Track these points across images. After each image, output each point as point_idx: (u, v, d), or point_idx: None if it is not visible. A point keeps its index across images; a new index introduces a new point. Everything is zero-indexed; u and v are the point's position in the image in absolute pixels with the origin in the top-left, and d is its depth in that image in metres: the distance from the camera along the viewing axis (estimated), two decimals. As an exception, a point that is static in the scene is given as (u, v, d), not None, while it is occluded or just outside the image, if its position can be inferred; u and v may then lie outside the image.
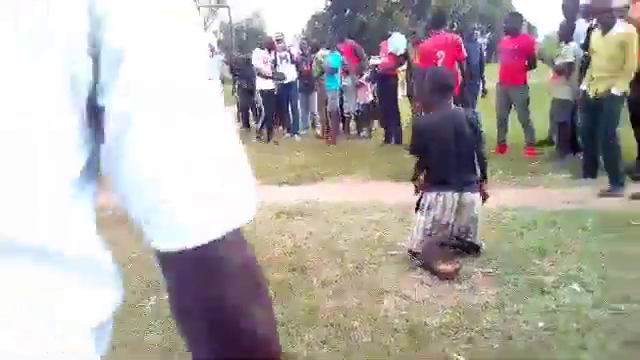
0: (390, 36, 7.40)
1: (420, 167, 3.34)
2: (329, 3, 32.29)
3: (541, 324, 2.43)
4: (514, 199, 4.39)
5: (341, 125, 8.66)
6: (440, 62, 6.00)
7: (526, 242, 3.42)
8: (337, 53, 8.42)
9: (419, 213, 3.22)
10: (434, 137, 3.19)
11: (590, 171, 4.87)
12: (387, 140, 7.53)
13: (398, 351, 2.29)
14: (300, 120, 9.17)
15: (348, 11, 31.42)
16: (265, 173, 6.02)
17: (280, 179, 5.74)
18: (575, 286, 2.78)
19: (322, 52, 8.59)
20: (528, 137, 6.12)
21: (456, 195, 3.13)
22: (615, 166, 4.43)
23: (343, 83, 8.17)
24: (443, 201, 3.13)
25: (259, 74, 8.42)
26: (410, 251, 3.22)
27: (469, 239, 3.23)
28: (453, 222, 3.17)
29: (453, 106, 3.38)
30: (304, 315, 2.66)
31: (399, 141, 7.32)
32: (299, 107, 9.03)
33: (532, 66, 6.04)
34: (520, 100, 6.03)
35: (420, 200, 3.25)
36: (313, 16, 34.44)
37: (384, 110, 7.63)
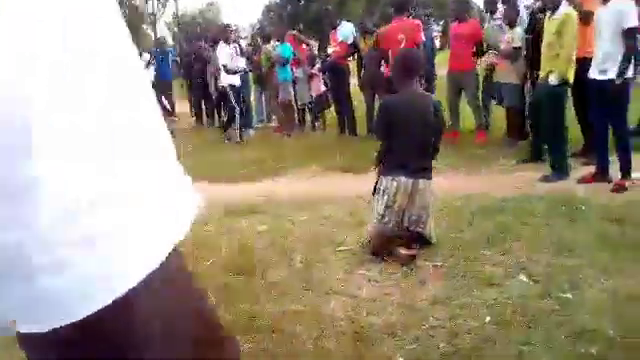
0: (339, 25, 7.26)
1: (383, 150, 3.24)
2: (283, -7, 31.95)
3: (488, 318, 2.38)
4: (464, 186, 4.37)
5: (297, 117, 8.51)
6: (402, 47, 5.95)
7: (475, 231, 3.38)
8: (288, 43, 8.23)
9: (375, 197, 3.16)
10: (397, 119, 3.11)
11: (537, 155, 4.92)
12: (342, 131, 7.42)
13: (341, 356, 2.18)
14: (254, 114, 8.94)
15: (302, 1, 31.10)
16: (216, 170, 5.82)
17: (232, 176, 5.55)
18: (523, 277, 2.74)
19: (273, 43, 8.38)
20: (478, 122, 6.14)
21: (410, 181, 3.06)
22: (558, 154, 4.45)
23: (295, 74, 8.00)
24: (397, 186, 3.06)
25: (226, 70, 8.09)
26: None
27: (419, 229, 3.14)
28: (404, 209, 3.10)
29: (420, 90, 3.28)
30: (246, 322, 2.51)
31: (354, 132, 7.23)
32: (252, 101, 8.80)
33: (480, 52, 6.04)
34: (470, 85, 6.03)
35: (377, 184, 3.19)
36: (267, 6, 33.94)
37: (337, 101, 7.51)
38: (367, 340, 2.30)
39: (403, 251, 3.03)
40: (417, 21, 6.37)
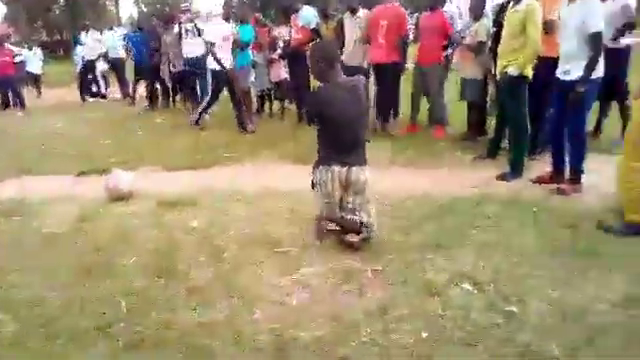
0: (298, 10, 6.86)
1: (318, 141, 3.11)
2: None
3: (425, 334, 2.15)
4: (416, 183, 4.15)
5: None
6: (382, 32, 5.74)
7: (422, 234, 3.15)
8: (249, 26, 7.83)
9: (315, 190, 3.12)
10: (328, 109, 2.98)
11: (492, 152, 4.75)
12: (299, 120, 7.12)
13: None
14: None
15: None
16: (159, 157, 5.45)
17: (176, 163, 5.18)
18: (467, 285, 2.52)
19: (232, 25, 7.97)
20: (438, 117, 5.93)
21: (344, 170, 2.99)
22: (518, 151, 4.27)
23: (254, 59, 7.63)
24: (332, 176, 3.00)
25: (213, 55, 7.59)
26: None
27: (356, 217, 3.02)
28: (340, 198, 3.06)
29: (344, 76, 3.12)
30: (157, 334, 2.22)
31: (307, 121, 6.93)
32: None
33: (447, 45, 5.82)
34: (434, 79, 5.80)
35: (314, 174, 3.10)
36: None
37: (296, 88, 7.19)
38: (290, 358, 2.04)
39: (347, 237, 3.01)
40: (402, 9, 6.08)
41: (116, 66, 11.23)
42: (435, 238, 3.04)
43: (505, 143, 4.71)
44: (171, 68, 8.77)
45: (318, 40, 6.73)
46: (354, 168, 3.00)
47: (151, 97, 9.49)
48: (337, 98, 2.99)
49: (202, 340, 2.18)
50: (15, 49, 10.85)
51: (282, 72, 7.61)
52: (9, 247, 3.20)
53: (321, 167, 3.04)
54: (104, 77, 11.92)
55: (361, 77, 3.29)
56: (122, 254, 3.04)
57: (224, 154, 5.52)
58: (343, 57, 6.27)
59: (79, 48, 11.52)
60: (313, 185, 3.13)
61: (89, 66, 11.22)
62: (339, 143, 3.01)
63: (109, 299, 2.53)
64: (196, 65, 8.00)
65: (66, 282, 2.72)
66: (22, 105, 10.46)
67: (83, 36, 11.24)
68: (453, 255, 2.85)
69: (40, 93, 12.75)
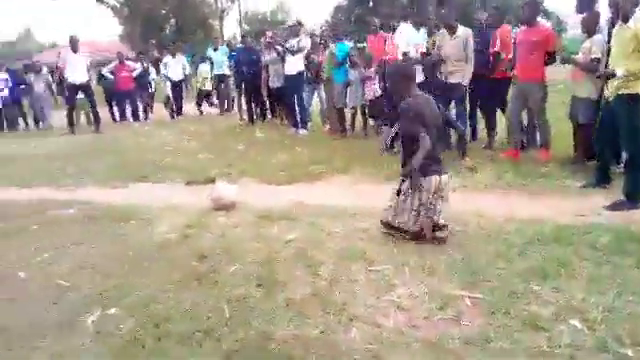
0: (395, 28, 6.89)
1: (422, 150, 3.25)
2: (350, -6, 31.69)
3: (529, 370, 2.04)
4: (520, 208, 3.96)
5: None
6: (525, 51, 5.48)
7: (526, 262, 2.99)
8: (345, 43, 7.99)
9: (402, 196, 3.35)
10: (423, 120, 3.24)
11: (603, 178, 4.40)
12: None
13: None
14: (306, 115, 8.77)
15: (371, 3, 30.71)
16: (259, 171, 5.71)
17: (273, 177, 5.40)
18: (576, 322, 2.36)
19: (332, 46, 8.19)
20: (543, 139, 5.63)
21: (439, 178, 3.29)
22: (636, 178, 3.94)
23: (349, 76, 7.76)
24: (427, 185, 3.26)
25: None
26: (386, 223, 3.45)
27: (436, 217, 3.32)
28: (434, 203, 3.32)
29: (423, 94, 3.46)
30: (256, 343, 2.32)
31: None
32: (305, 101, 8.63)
33: (550, 61, 5.52)
34: (536, 98, 5.52)
35: (402, 184, 3.35)
36: (336, 7, 33.81)
37: (394, 107, 7.18)
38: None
39: (437, 233, 3.31)
40: (549, 28, 5.78)
41: (221, 82, 11.94)
42: (540, 267, 2.88)
43: (616, 167, 4.37)
44: (270, 84, 9.15)
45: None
46: (444, 176, 3.31)
47: (251, 112, 9.96)
48: (426, 110, 3.29)
49: (298, 352, 2.24)
50: (134, 64, 11.87)
51: (377, 90, 7.65)
52: (127, 249, 3.50)
53: (422, 175, 3.24)
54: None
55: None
56: (225, 262, 3.22)
57: (318, 170, 5.65)
58: (442, 75, 6.20)
59: (163, 69, 12.19)
60: (399, 193, 3.36)
61: (176, 86, 11.89)
62: (434, 152, 3.27)
63: (214, 305, 2.68)
64: (295, 82, 8.32)
65: (176, 286, 2.93)
66: (138, 117, 11.47)
67: (169, 59, 11.96)
68: (560, 287, 2.68)
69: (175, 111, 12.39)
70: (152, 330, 2.45)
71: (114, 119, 11.78)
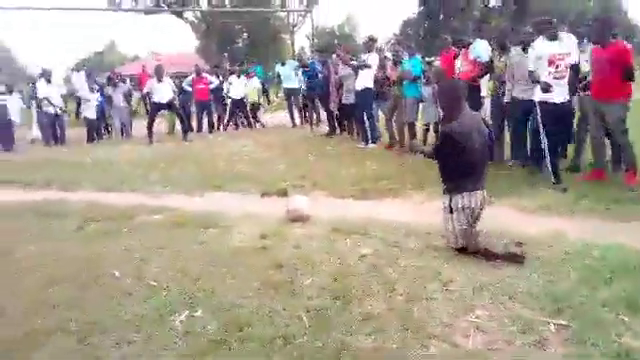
0: (469, 43, 6.76)
1: (454, 171, 3.53)
2: (421, 8, 31.44)
3: (621, 405, 1.96)
4: (604, 234, 3.78)
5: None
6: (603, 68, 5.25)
7: (613, 291, 2.86)
8: (419, 58, 7.98)
9: (455, 214, 3.48)
10: (465, 141, 3.39)
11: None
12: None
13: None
14: (375, 130, 8.80)
15: (441, 17, 30.45)
16: (330, 184, 5.80)
17: (345, 192, 5.47)
18: (672, 357, 2.24)
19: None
20: (627, 161, 5.34)
21: (481, 194, 3.47)
22: None
23: (423, 92, 7.74)
24: (474, 200, 3.44)
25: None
26: (456, 249, 3.51)
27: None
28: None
29: (470, 112, 3.61)
30: (334, 353, 2.38)
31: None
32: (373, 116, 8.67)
33: (628, 78, 5.20)
34: (614, 118, 5.22)
35: (451, 202, 3.50)
36: (405, 21, 33.75)
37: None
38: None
39: (513, 249, 3.39)
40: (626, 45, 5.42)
41: (290, 96, 12.25)
42: (631, 297, 2.75)
43: None
44: (343, 100, 9.27)
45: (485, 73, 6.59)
46: (485, 192, 3.50)
47: (332, 124, 10.13)
48: (472, 130, 3.43)
49: (378, 367, 2.28)
50: (211, 77, 12.41)
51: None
52: (209, 255, 3.69)
53: (464, 193, 3.42)
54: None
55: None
56: (301, 273, 3.32)
57: (389, 185, 5.66)
58: (514, 92, 6.05)
59: (225, 87, 12.60)
60: (452, 210, 3.49)
61: (236, 104, 12.24)
62: (475, 170, 3.44)
63: (292, 313, 2.77)
64: (365, 97, 8.40)
65: (255, 292, 3.05)
66: (213, 128, 11.99)
67: (234, 79, 12.36)
68: (652, 320, 2.55)
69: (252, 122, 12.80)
70: (236, 333, 2.58)
71: (191, 130, 12.35)
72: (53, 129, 10.98)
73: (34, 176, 6.87)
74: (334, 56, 9.72)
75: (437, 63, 8.10)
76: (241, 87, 12.08)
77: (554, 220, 4.22)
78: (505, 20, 27.87)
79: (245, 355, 2.39)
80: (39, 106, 10.93)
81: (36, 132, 11.87)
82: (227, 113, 12.45)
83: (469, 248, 3.45)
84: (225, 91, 12.36)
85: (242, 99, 12.09)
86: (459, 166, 3.44)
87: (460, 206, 3.45)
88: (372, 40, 8.80)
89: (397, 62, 8.28)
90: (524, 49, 5.91)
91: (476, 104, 6.59)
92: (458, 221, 3.47)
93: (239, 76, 12.30)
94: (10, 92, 10.78)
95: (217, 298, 3.00)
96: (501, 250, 3.39)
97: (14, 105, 10.88)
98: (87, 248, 3.92)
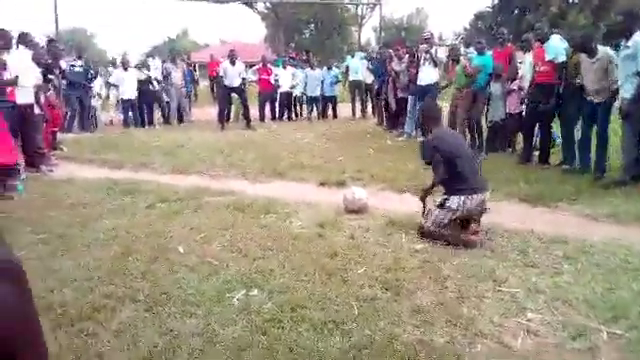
0: (545, 40, 6.42)
1: (445, 174, 3.82)
2: (496, 1, 30.25)
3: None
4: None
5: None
6: None
7: (678, 305, 2.76)
8: (489, 54, 7.78)
9: (444, 210, 3.78)
10: (452, 148, 3.84)
11: None
12: (528, 159, 6.76)
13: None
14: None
15: (516, 11, 29.15)
16: (388, 177, 5.84)
17: (401, 185, 5.50)
18: None
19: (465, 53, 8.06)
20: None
21: (480, 195, 3.77)
22: None
23: (491, 89, 7.56)
24: (470, 202, 3.72)
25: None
26: (421, 229, 3.87)
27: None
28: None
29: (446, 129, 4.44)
30: (381, 342, 2.45)
31: (545, 161, 6.55)
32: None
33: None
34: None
35: (446, 201, 3.79)
36: (476, 15, 32.60)
37: (531, 127, 6.82)
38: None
39: (467, 237, 3.72)
40: None
41: (356, 88, 12.33)
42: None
43: None
44: (398, 93, 9.25)
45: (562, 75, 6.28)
46: (487, 193, 3.85)
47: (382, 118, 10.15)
48: (450, 140, 3.96)
49: (422, 357, 2.33)
50: (274, 70, 12.65)
51: (520, 105, 7.34)
52: (267, 239, 3.85)
53: (463, 196, 3.71)
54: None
55: None
56: (354, 262, 3.41)
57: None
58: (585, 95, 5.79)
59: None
60: (442, 205, 3.79)
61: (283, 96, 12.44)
62: (464, 174, 3.74)
63: (343, 300, 2.87)
64: (427, 92, 8.31)
65: (309, 277, 3.18)
66: (275, 118, 12.26)
67: (280, 71, 12.47)
68: None
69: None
70: (290, 314, 2.71)
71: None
72: (128, 113, 11.56)
73: (111, 156, 7.37)
74: (390, 51, 9.70)
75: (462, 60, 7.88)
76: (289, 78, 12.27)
77: (619, 228, 4.07)
78: (585, 17, 26.30)
79: (297, 335, 2.52)
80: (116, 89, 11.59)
81: (113, 114, 12.64)
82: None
83: (432, 236, 3.78)
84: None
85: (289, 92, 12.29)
86: (449, 171, 3.76)
87: (454, 207, 3.73)
88: (427, 40, 8.73)
89: (455, 60, 8.12)
90: (589, 53, 5.64)
91: (549, 108, 6.36)
92: (442, 215, 3.76)
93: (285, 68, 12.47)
94: (95, 76, 11.44)
95: (273, 280, 3.15)
96: (455, 239, 3.71)
97: (97, 88, 11.61)
98: (156, 225, 4.20)
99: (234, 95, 11.03)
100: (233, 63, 10.62)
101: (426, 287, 3.04)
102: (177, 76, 11.93)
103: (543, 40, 6.43)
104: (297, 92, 12.62)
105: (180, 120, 12.04)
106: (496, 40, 8.44)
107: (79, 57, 10.95)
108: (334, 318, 2.67)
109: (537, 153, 6.80)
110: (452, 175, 3.77)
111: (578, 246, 3.63)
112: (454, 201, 3.74)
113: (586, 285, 3.01)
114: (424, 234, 3.83)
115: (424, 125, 4.34)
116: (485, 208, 3.83)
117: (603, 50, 5.64)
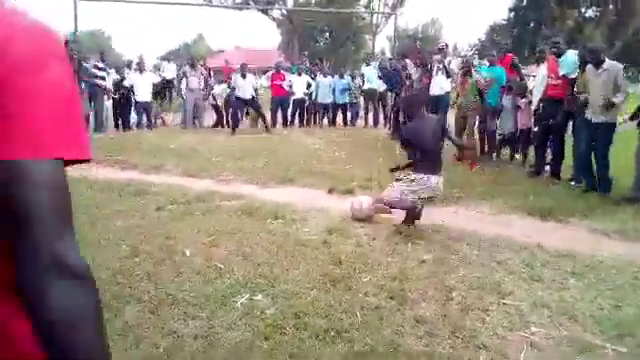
0: (561, 54, 6.39)
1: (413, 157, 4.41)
2: (512, 14, 30.17)
3: None
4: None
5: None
6: None
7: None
8: (500, 67, 7.77)
9: (402, 183, 4.37)
10: (418, 137, 4.29)
11: None
12: (538, 173, 6.71)
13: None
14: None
15: (532, 24, 29.08)
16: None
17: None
18: None
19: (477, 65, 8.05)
20: None
21: (437, 178, 4.30)
22: None
23: (502, 102, 7.54)
24: (429, 181, 4.24)
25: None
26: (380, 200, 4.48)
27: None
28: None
29: (429, 116, 4.66)
30: (385, 351, 2.45)
31: (556, 175, 6.49)
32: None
33: None
34: None
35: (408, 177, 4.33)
36: (491, 27, 32.58)
37: (544, 141, 6.78)
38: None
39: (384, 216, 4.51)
40: None
41: (368, 97, 12.35)
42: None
43: None
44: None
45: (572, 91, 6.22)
46: (441, 179, 4.34)
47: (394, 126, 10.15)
48: (424, 129, 4.32)
49: (425, 369, 2.32)
50: (288, 76, 12.69)
51: (530, 121, 7.28)
52: (274, 244, 3.86)
53: (422, 175, 4.25)
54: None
55: None
56: (360, 271, 3.41)
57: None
58: (587, 112, 5.71)
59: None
60: (413, 180, 4.29)
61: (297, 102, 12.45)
62: (427, 159, 4.25)
63: (347, 308, 2.87)
64: (440, 102, 8.32)
65: (313, 284, 3.18)
66: (286, 124, 12.30)
67: (295, 77, 12.51)
68: None
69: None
70: (292, 320, 2.72)
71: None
72: (142, 115, 11.66)
73: (124, 157, 7.45)
74: (407, 60, 9.71)
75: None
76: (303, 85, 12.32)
77: (628, 245, 4.02)
78: (601, 33, 26.15)
79: (299, 341, 2.52)
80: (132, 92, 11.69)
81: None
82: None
83: (391, 204, 4.40)
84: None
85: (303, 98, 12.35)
86: (416, 155, 4.34)
87: (414, 180, 4.28)
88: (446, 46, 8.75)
89: (467, 73, 8.11)
90: (597, 65, 5.59)
91: (560, 123, 6.33)
92: (406, 188, 4.28)
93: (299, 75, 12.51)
94: (123, 79, 11.49)
95: (277, 285, 3.15)
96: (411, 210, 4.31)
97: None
98: (164, 227, 4.23)
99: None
100: (244, 76, 10.79)
101: (431, 297, 3.03)
102: (195, 80, 12.00)
103: (559, 54, 6.39)
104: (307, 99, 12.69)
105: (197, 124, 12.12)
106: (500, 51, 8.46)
107: (102, 59, 11.08)
108: (337, 326, 2.66)
109: (548, 168, 6.75)
110: (417, 159, 4.36)
111: (586, 261, 3.60)
112: (416, 177, 4.31)
113: (592, 301, 2.99)
114: (385, 203, 4.47)
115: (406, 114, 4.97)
116: (438, 193, 4.44)
117: (611, 63, 5.59)
